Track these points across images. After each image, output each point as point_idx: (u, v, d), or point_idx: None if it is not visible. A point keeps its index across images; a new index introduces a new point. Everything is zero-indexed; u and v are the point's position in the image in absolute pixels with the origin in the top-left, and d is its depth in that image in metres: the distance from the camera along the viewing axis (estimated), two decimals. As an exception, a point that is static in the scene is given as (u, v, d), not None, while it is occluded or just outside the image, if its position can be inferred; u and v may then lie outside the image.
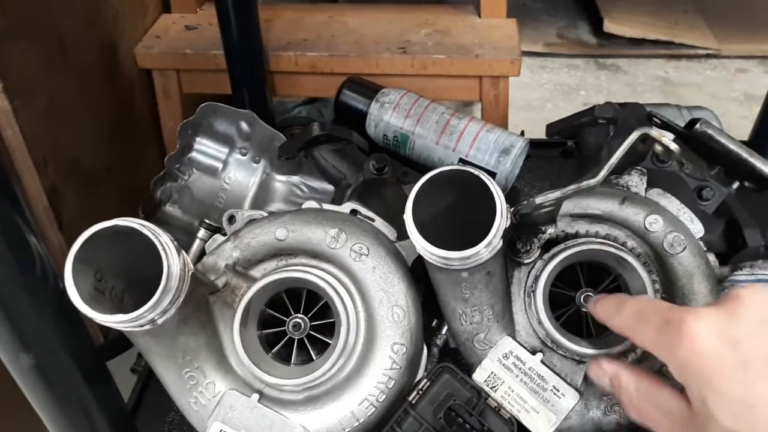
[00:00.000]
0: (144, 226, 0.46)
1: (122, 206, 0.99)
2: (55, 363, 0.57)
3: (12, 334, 0.53)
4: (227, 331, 0.56)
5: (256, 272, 0.58)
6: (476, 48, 1.19)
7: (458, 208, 0.53)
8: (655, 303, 0.47)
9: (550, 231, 0.59)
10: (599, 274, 0.59)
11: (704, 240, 0.59)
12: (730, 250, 0.62)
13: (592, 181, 0.54)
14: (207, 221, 0.68)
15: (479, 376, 0.57)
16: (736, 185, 0.68)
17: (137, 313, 0.46)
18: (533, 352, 0.57)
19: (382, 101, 0.98)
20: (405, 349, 0.56)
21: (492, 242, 0.48)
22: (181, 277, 0.47)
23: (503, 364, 0.57)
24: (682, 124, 0.69)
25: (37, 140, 0.88)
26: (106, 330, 0.47)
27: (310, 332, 0.57)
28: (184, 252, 0.49)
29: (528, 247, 0.58)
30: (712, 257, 0.60)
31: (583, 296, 0.58)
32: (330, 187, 0.83)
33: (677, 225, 0.58)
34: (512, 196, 0.94)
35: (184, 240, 0.68)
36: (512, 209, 0.54)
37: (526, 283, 0.59)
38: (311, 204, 0.62)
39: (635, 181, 0.61)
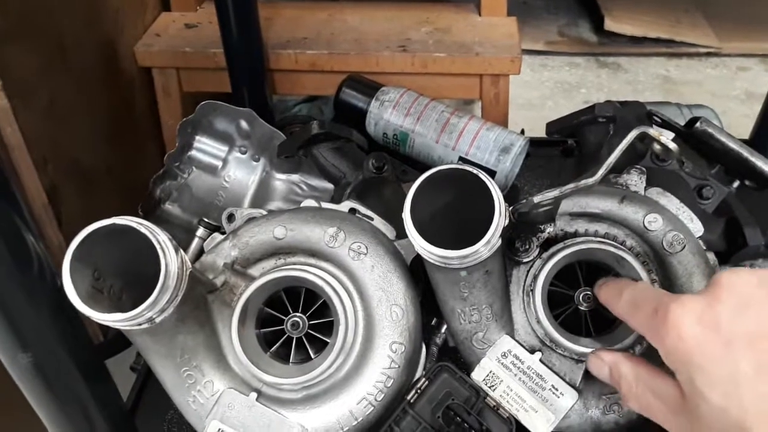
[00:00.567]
0: (141, 224, 0.46)
1: (122, 204, 0.99)
2: (53, 362, 0.57)
3: (10, 333, 0.53)
4: (225, 330, 0.55)
5: (254, 271, 0.58)
6: (476, 46, 1.19)
7: (457, 206, 0.53)
8: (648, 291, 0.49)
9: (549, 230, 0.59)
10: (598, 273, 0.59)
11: (704, 239, 0.59)
12: (730, 248, 0.62)
13: (590, 180, 0.53)
14: (206, 220, 0.68)
15: (478, 375, 0.57)
16: (736, 184, 0.68)
17: (135, 311, 0.46)
18: (532, 351, 0.57)
19: (382, 99, 0.98)
20: (403, 348, 0.56)
21: (491, 241, 0.48)
22: (179, 275, 0.47)
23: (502, 363, 0.57)
24: (683, 123, 0.69)
25: (36, 139, 0.88)
26: (105, 328, 0.48)
27: (309, 331, 0.57)
28: (182, 250, 0.49)
29: (527, 246, 0.58)
30: (711, 256, 0.59)
31: (582, 295, 0.58)
32: (330, 186, 0.83)
33: (676, 224, 0.58)
34: (512, 194, 0.94)
35: (183, 238, 0.68)
36: (511, 208, 0.54)
37: (524, 282, 0.59)
38: (310, 203, 0.62)
39: (634, 180, 0.61)
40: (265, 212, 0.61)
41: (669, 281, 0.57)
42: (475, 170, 0.48)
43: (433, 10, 1.32)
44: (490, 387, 0.57)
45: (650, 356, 0.47)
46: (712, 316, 0.40)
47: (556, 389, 0.56)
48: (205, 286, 0.55)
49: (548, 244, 0.59)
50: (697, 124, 0.66)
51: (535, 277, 0.58)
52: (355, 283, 0.57)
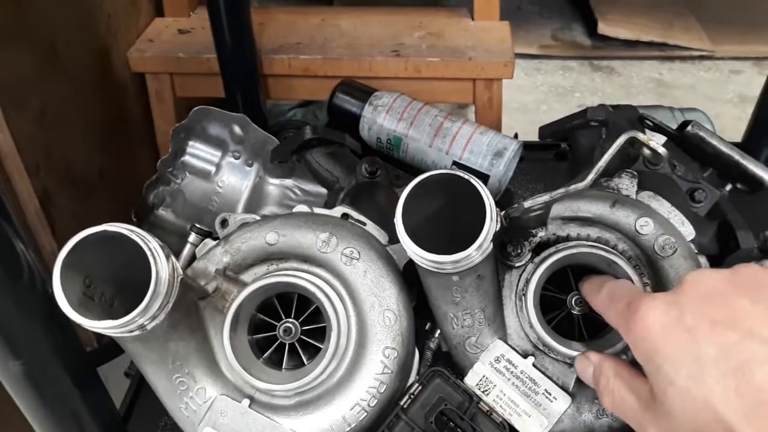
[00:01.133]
0: (132, 231, 0.46)
1: (115, 210, 0.99)
2: (44, 369, 0.57)
3: (0, 341, 0.53)
4: (218, 336, 0.55)
5: (246, 277, 0.58)
6: (469, 51, 1.19)
7: (449, 211, 0.53)
8: (625, 287, 0.51)
9: (541, 234, 0.59)
10: (591, 277, 0.59)
11: (696, 242, 0.59)
12: (723, 252, 0.62)
13: (581, 185, 0.54)
14: (197, 225, 0.68)
15: (471, 380, 0.57)
16: (728, 187, 0.68)
17: (126, 318, 0.46)
18: (525, 356, 0.57)
19: (376, 104, 0.98)
20: (396, 354, 0.56)
21: (482, 245, 0.48)
22: (170, 282, 0.47)
23: (495, 368, 0.57)
24: (675, 126, 0.69)
25: (29, 144, 0.88)
26: (100, 334, 0.47)
27: (302, 337, 0.57)
28: (173, 257, 0.49)
29: (519, 251, 0.58)
30: (703, 260, 0.60)
31: (574, 299, 0.58)
32: (323, 191, 0.83)
33: (668, 228, 0.58)
34: (506, 198, 0.94)
35: (177, 244, 0.68)
36: (502, 213, 0.54)
37: (517, 287, 0.58)
38: (302, 208, 0.62)
39: (626, 184, 0.61)
40: (258, 217, 0.61)
41: (661, 285, 0.57)
42: (466, 175, 0.48)
43: (426, 14, 1.33)
44: (483, 392, 0.57)
45: (638, 363, 0.47)
46: (677, 307, 0.42)
47: (549, 393, 0.56)
48: (196, 293, 0.55)
49: (540, 248, 0.59)
50: (689, 128, 0.66)
51: (528, 282, 0.57)
52: (347, 288, 0.57)
